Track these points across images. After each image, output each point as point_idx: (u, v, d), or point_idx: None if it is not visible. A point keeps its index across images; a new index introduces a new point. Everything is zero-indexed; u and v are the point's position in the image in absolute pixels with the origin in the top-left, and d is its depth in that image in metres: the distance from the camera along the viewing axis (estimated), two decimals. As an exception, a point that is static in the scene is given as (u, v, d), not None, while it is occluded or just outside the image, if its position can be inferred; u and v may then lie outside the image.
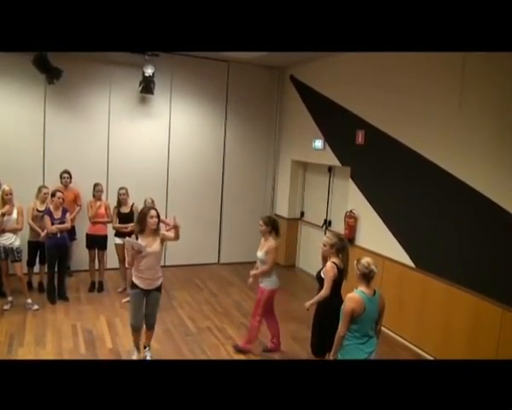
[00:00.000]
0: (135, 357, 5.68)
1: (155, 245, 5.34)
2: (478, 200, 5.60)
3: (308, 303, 4.99)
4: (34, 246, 7.50)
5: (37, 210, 7.35)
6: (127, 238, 5.45)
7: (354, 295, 4.19)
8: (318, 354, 5.08)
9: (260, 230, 5.92)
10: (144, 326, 5.63)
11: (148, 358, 5.71)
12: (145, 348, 5.75)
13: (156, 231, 5.39)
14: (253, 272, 5.72)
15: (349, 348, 4.22)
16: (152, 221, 5.28)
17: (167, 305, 7.68)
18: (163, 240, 5.47)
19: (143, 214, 5.39)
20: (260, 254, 5.85)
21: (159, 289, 5.53)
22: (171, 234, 5.57)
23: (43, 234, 7.29)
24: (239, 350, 6.15)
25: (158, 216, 5.37)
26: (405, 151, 6.69)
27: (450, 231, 6.00)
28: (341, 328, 4.16)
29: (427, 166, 6.31)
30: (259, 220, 5.96)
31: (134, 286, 5.43)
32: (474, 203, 5.67)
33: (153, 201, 7.45)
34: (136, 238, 5.30)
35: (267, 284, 5.90)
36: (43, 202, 7.45)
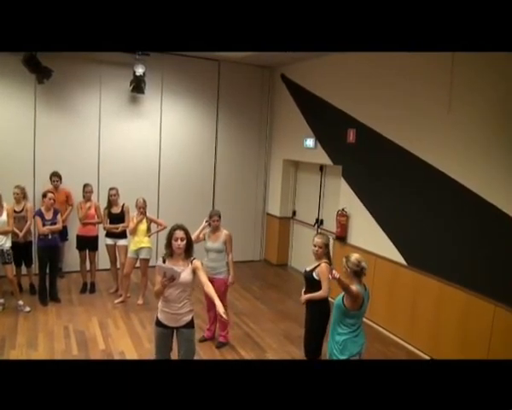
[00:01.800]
0: None
1: (185, 273, 4.37)
2: (468, 197, 5.63)
3: (304, 298, 5.00)
4: (14, 247, 7.22)
5: (14, 211, 7.20)
6: (159, 263, 4.46)
7: (357, 287, 4.23)
8: (313, 356, 5.08)
9: (216, 225, 6.18)
10: None
11: None
12: None
13: (187, 257, 4.50)
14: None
15: (346, 343, 4.26)
16: (176, 244, 4.39)
17: (160, 305, 7.65)
18: (195, 271, 4.46)
19: (169, 235, 4.48)
20: (218, 244, 6.16)
21: (190, 324, 4.54)
22: (203, 276, 4.48)
23: (21, 234, 7.27)
24: (222, 345, 6.28)
25: (187, 238, 4.45)
26: (396, 149, 6.71)
27: (442, 229, 6.02)
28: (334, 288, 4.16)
29: (419, 165, 6.33)
30: (214, 217, 6.17)
31: (158, 323, 4.53)
32: (464, 201, 5.69)
33: (144, 201, 7.43)
34: (163, 262, 4.46)
35: (226, 275, 6.25)
36: (17, 202, 7.33)
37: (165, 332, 4.50)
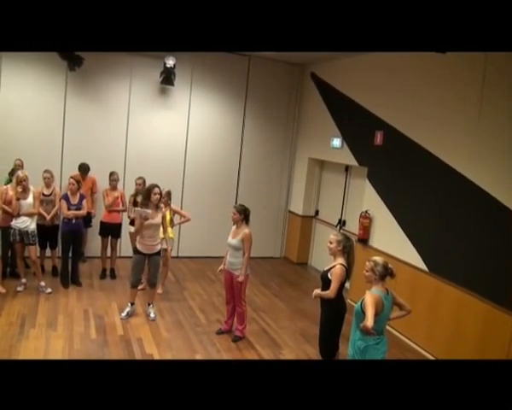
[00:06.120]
0: (127, 309, 6.64)
1: (157, 218, 6.41)
2: (495, 207, 5.53)
3: (314, 293, 4.95)
4: (41, 229, 7.38)
5: (43, 194, 7.37)
6: (137, 208, 6.45)
7: (373, 294, 4.16)
8: (327, 358, 5.04)
9: (233, 218, 6.13)
10: (148, 287, 6.87)
11: (152, 314, 6.67)
12: (149, 305, 6.77)
13: (158, 207, 6.47)
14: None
15: (367, 350, 4.20)
16: (155, 197, 6.33)
17: (179, 296, 7.72)
18: (163, 217, 6.62)
19: (148, 191, 6.39)
20: (235, 241, 6.07)
21: (158, 253, 6.60)
22: (165, 223, 6.79)
23: (48, 217, 7.39)
24: (238, 339, 6.30)
25: (160, 194, 6.40)
26: (424, 154, 6.63)
27: (466, 237, 5.94)
28: (370, 319, 3.87)
29: (446, 171, 6.25)
30: (232, 209, 6.18)
31: (136, 251, 6.48)
32: (490, 210, 5.60)
33: (169, 192, 7.47)
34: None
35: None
36: (47, 186, 7.47)
37: (141, 257, 6.47)
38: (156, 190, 6.34)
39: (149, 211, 6.25)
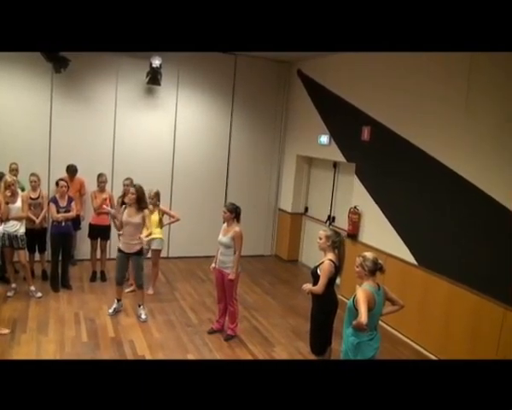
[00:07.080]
0: (114, 305, 6.81)
1: (136, 218, 6.45)
2: (482, 200, 5.58)
3: (304, 286, 4.95)
4: (29, 233, 7.32)
5: (31, 198, 7.31)
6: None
7: (365, 289, 4.17)
8: (318, 354, 5.06)
9: (224, 217, 6.12)
10: (136, 288, 6.92)
11: (143, 316, 6.69)
12: (139, 306, 6.79)
13: (140, 207, 6.46)
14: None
15: (360, 346, 4.20)
16: (128, 196, 6.54)
17: (169, 296, 7.71)
18: (144, 218, 6.53)
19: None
20: (225, 239, 6.08)
21: (138, 253, 6.58)
22: (148, 222, 6.64)
23: (37, 221, 7.34)
24: (231, 338, 6.30)
25: (137, 194, 6.38)
26: (411, 149, 6.68)
27: (454, 230, 5.98)
28: (364, 316, 3.88)
29: (433, 165, 6.29)
30: (223, 208, 6.19)
31: (119, 249, 6.64)
32: (478, 203, 5.65)
33: (157, 192, 7.45)
34: (125, 208, 6.56)
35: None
36: (34, 189, 7.41)
37: (122, 255, 6.59)
38: (131, 189, 6.49)
39: (112, 210, 7.02)
